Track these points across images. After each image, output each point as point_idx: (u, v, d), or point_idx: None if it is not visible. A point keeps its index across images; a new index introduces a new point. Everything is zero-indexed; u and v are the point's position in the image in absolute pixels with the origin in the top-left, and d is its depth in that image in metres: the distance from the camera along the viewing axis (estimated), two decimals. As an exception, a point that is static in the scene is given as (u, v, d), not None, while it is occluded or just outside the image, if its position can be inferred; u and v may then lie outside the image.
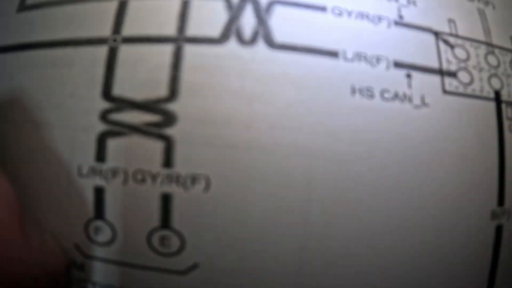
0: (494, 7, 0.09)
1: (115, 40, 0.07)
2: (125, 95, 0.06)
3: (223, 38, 0.06)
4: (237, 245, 0.06)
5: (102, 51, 0.07)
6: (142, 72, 0.06)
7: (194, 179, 0.06)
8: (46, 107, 0.07)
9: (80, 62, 0.07)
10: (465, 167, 0.07)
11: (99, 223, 0.07)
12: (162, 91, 0.06)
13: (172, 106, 0.06)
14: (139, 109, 0.06)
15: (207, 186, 0.06)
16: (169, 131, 0.06)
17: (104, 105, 0.06)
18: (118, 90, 0.06)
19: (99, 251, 0.07)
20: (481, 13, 0.08)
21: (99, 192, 0.06)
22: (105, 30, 0.07)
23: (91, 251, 0.07)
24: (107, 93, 0.06)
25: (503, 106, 0.08)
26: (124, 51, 0.07)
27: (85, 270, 0.07)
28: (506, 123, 0.08)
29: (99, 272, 0.07)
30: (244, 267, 0.06)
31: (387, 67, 0.07)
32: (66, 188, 0.07)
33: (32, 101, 0.07)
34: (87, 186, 0.06)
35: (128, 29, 0.07)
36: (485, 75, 0.08)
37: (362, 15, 0.07)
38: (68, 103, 0.07)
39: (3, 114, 0.07)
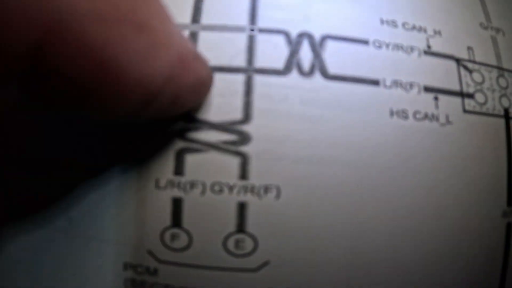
0: (504, 34, 0.10)
1: None
2: (202, 117, 0.07)
3: (286, 70, 0.08)
4: (302, 244, 0.07)
5: None
6: (217, 98, 0.07)
7: (266, 189, 0.07)
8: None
9: None
10: (481, 173, 0.09)
11: (175, 230, 0.08)
12: (237, 114, 0.07)
13: (246, 128, 0.07)
14: (217, 130, 0.07)
15: (278, 194, 0.07)
16: (245, 148, 0.07)
17: (182, 124, 0.08)
18: (195, 112, 0.08)
19: (174, 256, 0.08)
20: (494, 40, 0.10)
21: (177, 202, 0.08)
22: None
23: (165, 256, 0.08)
24: (187, 115, 0.08)
25: (511, 122, 0.10)
26: None
27: (158, 275, 0.08)
28: None
29: (173, 275, 0.08)
30: (306, 262, 0.08)
31: (419, 92, 0.08)
32: (139, 199, 0.08)
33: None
34: (165, 197, 0.08)
35: None
36: (496, 95, 0.10)
37: (398, 47, 0.09)
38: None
39: None
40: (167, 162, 0.07)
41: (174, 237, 0.08)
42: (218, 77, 0.08)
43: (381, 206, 0.08)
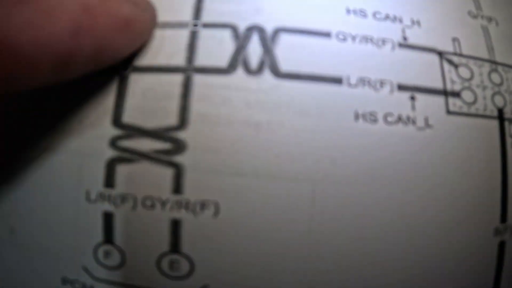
0: (497, 24, 0.09)
1: (124, 69, 0.07)
2: (135, 123, 0.07)
3: (231, 68, 0.07)
4: (245, 268, 0.07)
5: (113, 80, 0.07)
6: (152, 101, 0.07)
7: (203, 205, 0.07)
8: (53, 132, 0.07)
9: (90, 90, 0.07)
10: (469, 185, 0.08)
11: (108, 247, 0.07)
12: (172, 119, 0.07)
13: (181, 135, 0.07)
14: (149, 137, 0.07)
15: (216, 211, 0.07)
16: (179, 158, 0.07)
17: (114, 132, 0.07)
18: (128, 118, 0.07)
19: (108, 274, 0.07)
20: (485, 30, 0.09)
21: (108, 217, 0.07)
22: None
23: (100, 274, 0.07)
24: (117, 121, 0.07)
25: (506, 123, 0.08)
26: (134, 80, 0.07)
27: None
28: (508, 141, 0.08)
29: None
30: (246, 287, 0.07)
31: (391, 91, 0.07)
32: (73, 212, 0.07)
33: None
34: (96, 211, 0.07)
35: (137, 59, 0.07)
36: (488, 93, 0.08)
37: (367, 39, 0.08)
38: (77, 129, 0.07)
39: None
40: (97, 173, 0.07)
41: (107, 254, 0.07)
42: (154, 79, 0.07)
43: (341, 227, 0.07)
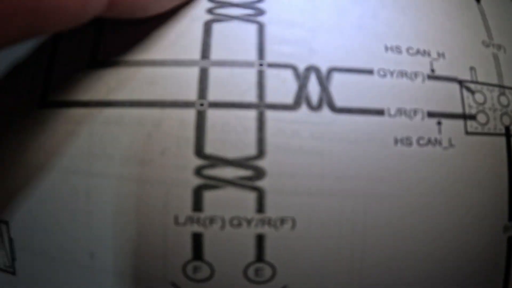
0: (505, 51, 0.11)
1: (202, 105, 0.08)
2: (218, 154, 0.08)
3: (296, 105, 0.09)
4: (315, 269, 0.08)
5: (190, 114, 0.08)
6: (231, 135, 0.08)
7: (282, 221, 0.08)
8: (135, 163, 0.08)
9: (168, 123, 0.09)
10: (482, 190, 0.10)
11: (197, 263, 0.08)
12: (251, 150, 0.08)
13: (260, 163, 0.08)
14: (232, 166, 0.08)
15: (293, 225, 0.08)
16: (260, 183, 0.08)
17: (198, 162, 0.08)
18: (210, 149, 0.08)
19: (197, 286, 0.08)
20: (495, 57, 0.11)
21: (197, 237, 0.08)
22: (191, 95, 0.08)
23: (188, 287, 0.08)
24: (199, 152, 0.08)
25: (512, 139, 0.10)
26: (212, 114, 0.08)
27: None
28: None
29: None
30: (319, 286, 0.08)
31: (422, 118, 0.09)
32: (162, 235, 0.08)
33: (117, 156, 0.08)
34: (185, 232, 0.08)
35: (212, 95, 0.09)
36: (498, 114, 0.10)
37: (402, 74, 0.09)
38: (159, 160, 0.08)
39: (85, 167, 0.09)
40: (184, 200, 0.08)
41: (196, 269, 0.08)
42: (231, 113, 0.08)
43: (384, 232, 0.09)
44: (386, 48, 0.10)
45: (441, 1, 0.11)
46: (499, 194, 0.10)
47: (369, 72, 0.09)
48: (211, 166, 0.08)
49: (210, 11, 0.09)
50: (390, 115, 0.09)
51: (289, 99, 0.09)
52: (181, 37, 0.09)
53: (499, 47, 0.11)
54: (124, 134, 0.09)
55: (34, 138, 0.09)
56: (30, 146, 0.09)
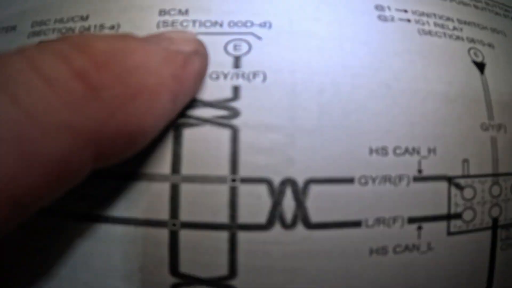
0: (506, 130, 0.10)
1: (174, 225, 0.09)
2: (191, 273, 0.08)
3: (269, 224, 0.09)
4: None
5: (163, 234, 0.09)
6: (204, 256, 0.09)
7: None
8: (115, 277, 0.09)
9: (143, 242, 0.09)
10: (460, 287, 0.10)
11: None
12: (223, 271, 0.08)
13: (233, 282, 0.09)
14: (206, 285, 0.08)
15: None
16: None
17: (173, 280, 0.09)
18: (184, 268, 0.09)
19: None
20: (493, 141, 0.10)
21: None
22: (163, 214, 0.09)
23: None
24: (174, 271, 0.09)
25: (499, 230, 0.10)
26: (184, 235, 0.09)
27: None
28: (499, 244, 0.10)
29: None
30: None
31: (402, 225, 0.09)
32: None
33: (96, 270, 0.09)
34: None
35: (184, 215, 0.09)
36: (487, 207, 0.10)
37: (385, 179, 0.09)
38: (137, 276, 0.09)
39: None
40: None
41: None
42: (203, 234, 0.08)
43: None
44: (371, 151, 0.09)
45: (441, 85, 0.10)
46: (476, 283, 0.10)
47: (350, 181, 0.09)
48: (186, 284, 0.09)
49: (181, 112, 0.09)
50: (367, 225, 0.09)
51: (262, 218, 0.09)
52: (151, 147, 0.09)
53: (499, 127, 0.11)
54: (104, 249, 0.09)
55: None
56: None
